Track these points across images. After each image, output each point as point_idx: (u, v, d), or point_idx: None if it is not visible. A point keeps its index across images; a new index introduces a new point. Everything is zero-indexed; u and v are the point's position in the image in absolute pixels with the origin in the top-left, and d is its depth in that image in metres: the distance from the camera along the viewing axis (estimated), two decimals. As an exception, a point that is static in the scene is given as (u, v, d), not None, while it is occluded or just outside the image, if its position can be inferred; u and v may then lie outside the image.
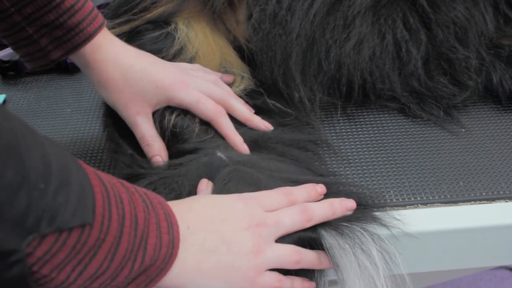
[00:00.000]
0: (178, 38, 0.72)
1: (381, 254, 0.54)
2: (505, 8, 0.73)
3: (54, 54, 0.64)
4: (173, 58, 0.71)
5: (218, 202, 0.55)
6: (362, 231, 0.55)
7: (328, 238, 0.55)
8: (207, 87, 0.67)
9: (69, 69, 0.88)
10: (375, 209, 0.59)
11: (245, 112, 0.68)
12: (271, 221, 0.54)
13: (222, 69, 0.73)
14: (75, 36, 0.63)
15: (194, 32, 0.73)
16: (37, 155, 0.38)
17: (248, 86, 0.72)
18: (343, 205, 0.57)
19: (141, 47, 0.69)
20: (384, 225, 0.56)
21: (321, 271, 0.56)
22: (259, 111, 0.69)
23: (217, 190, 0.58)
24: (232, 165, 0.61)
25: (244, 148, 0.65)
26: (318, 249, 0.55)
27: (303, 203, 0.56)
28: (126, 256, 0.43)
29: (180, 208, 0.51)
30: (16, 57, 0.87)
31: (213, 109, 0.66)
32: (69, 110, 0.81)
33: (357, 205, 0.58)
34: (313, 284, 0.55)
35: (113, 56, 0.65)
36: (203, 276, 0.50)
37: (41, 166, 0.38)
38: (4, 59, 0.88)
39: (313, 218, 0.55)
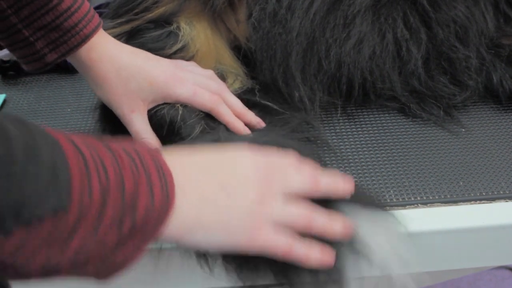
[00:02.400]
0: (181, 36, 0.72)
1: (382, 253, 0.53)
2: (506, 8, 0.73)
3: (49, 57, 0.64)
4: (174, 55, 0.71)
5: (222, 151, 0.52)
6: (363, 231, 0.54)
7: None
8: (202, 80, 0.67)
9: (69, 69, 0.88)
10: (377, 208, 0.58)
11: (239, 105, 0.68)
12: (281, 175, 0.51)
13: (216, 70, 0.73)
14: (72, 38, 0.63)
15: (196, 32, 0.73)
16: None
17: (242, 86, 0.71)
18: (346, 185, 0.54)
19: (142, 45, 0.69)
20: (386, 225, 0.56)
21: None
22: (254, 109, 0.69)
23: None
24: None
25: (246, 131, 0.65)
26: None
27: (311, 170, 0.53)
28: (113, 222, 0.41)
29: (179, 155, 0.49)
30: (16, 56, 0.88)
31: (210, 99, 0.66)
32: (69, 110, 0.81)
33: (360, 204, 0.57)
34: (332, 258, 0.50)
35: (108, 55, 0.65)
36: (202, 226, 0.47)
37: (3, 152, 0.35)
38: (4, 58, 0.88)
39: (320, 186, 0.52)
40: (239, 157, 0.52)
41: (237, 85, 0.72)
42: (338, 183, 0.53)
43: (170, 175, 0.46)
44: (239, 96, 0.70)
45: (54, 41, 0.63)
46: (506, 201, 0.62)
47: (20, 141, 0.36)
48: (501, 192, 0.63)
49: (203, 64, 0.72)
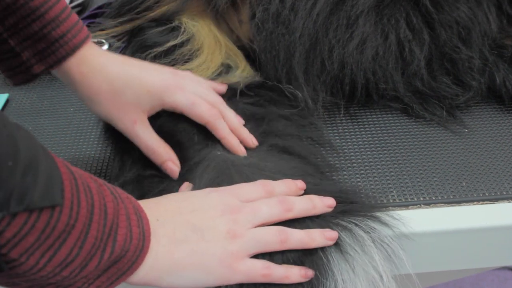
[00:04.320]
0: (184, 30, 0.72)
1: (382, 253, 0.53)
2: (509, 9, 0.73)
3: (36, 68, 0.61)
4: (178, 49, 0.71)
5: (188, 195, 0.54)
6: (363, 230, 0.55)
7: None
8: (201, 90, 0.66)
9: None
10: (378, 209, 0.59)
11: (235, 121, 0.66)
12: (248, 210, 0.52)
13: (227, 60, 0.73)
14: (60, 49, 0.60)
15: (200, 26, 0.73)
16: (4, 134, 0.38)
17: (251, 77, 0.71)
18: (324, 202, 0.56)
19: (145, 41, 0.69)
20: (387, 225, 0.56)
21: (330, 272, 0.54)
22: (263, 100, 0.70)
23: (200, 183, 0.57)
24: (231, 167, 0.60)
25: (241, 149, 0.64)
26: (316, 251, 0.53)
27: (281, 195, 0.55)
28: (96, 245, 0.43)
29: (148, 203, 0.51)
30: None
31: (208, 112, 0.64)
32: (71, 109, 0.80)
33: (361, 204, 0.58)
34: (312, 272, 0.52)
35: (99, 67, 0.62)
36: (178, 267, 0.49)
37: (8, 145, 0.38)
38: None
39: (293, 209, 0.54)
40: (205, 197, 0.53)
41: (245, 73, 0.71)
42: (314, 201, 0.55)
43: (145, 215, 0.49)
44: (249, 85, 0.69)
45: (41, 52, 0.60)
46: (509, 202, 0.62)
47: (23, 141, 0.39)
48: (504, 193, 0.63)
49: (209, 58, 0.72)
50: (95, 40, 0.79)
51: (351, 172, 0.66)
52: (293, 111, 0.69)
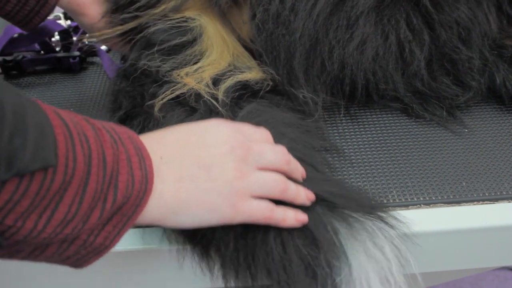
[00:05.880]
0: (191, 28, 0.71)
1: (393, 250, 0.54)
2: (509, 9, 0.73)
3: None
4: (186, 49, 0.70)
5: (195, 127, 0.52)
6: (373, 226, 0.55)
7: (340, 228, 0.54)
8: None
9: (72, 69, 0.88)
10: (380, 209, 0.59)
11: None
12: (256, 149, 0.51)
13: (235, 60, 0.72)
14: None
15: (206, 24, 0.72)
16: None
17: (260, 78, 0.71)
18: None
19: (150, 38, 0.69)
20: (391, 225, 0.56)
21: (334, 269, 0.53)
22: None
23: None
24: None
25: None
26: (331, 238, 0.53)
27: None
28: (96, 197, 0.41)
29: (152, 139, 0.49)
30: (19, 56, 0.88)
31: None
32: (71, 109, 0.80)
33: (363, 205, 0.58)
34: (304, 216, 0.52)
35: None
36: (183, 206, 0.48)
37: None
38: (7, 58, 0.88)
39: (290, 163, 0.54)
40: (214, 130, 0.52)
41: (258, 76, 0.71)
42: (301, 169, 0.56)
43: (148, 154, 0.46)
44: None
45: None
46: (509, 202, 0.62)
47: (10, 103, 0.37)
48: (504, 193, 0.63)
49: (219, 57, 0.71)
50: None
51: (351, 172, 0.66)
52: (301, 118, 0.69)
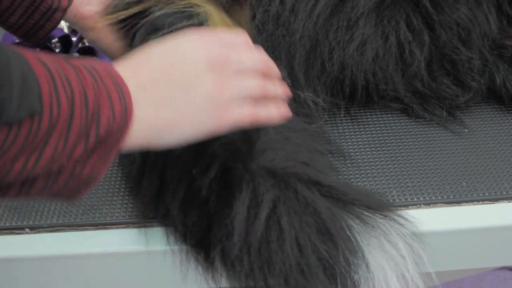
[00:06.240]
0: (199, 14, 0.70)
1: (406, 247, 0.54)
2: (508, 9, 0.73)
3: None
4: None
5: (169, 46, 0.52)
6: (386, 224, 0.55)
7: (354, 224, 0.54)
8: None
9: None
10: (390, 208, 0.59)
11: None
12: (233, 57, 0.52)
13: None
14: None
15: (212, 11, 0.72)
16: None
17: None
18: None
19: (156, 22, 0.68)
20: (401, 223, 0.56)
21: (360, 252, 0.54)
22: None
23: None
24: None
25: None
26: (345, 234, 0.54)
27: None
28: (80, 135, 0.43)
29: (131, 66, 0.50)
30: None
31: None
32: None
33: (373, 203, 0.58)
34: (285, 110, 0.54)
35: None
36: (166, 127, 0.49)
37: None
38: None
39: (267, 63, 0.55)
40: (188, 46, 0.52)
41: None
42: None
43: (126, 87, 0.47)
44: None
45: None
46: (509, 202, 0.62)
47: None
48: (504, 193, 0.63)
49: None
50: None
51: (351, 172, 0.66)
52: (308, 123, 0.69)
